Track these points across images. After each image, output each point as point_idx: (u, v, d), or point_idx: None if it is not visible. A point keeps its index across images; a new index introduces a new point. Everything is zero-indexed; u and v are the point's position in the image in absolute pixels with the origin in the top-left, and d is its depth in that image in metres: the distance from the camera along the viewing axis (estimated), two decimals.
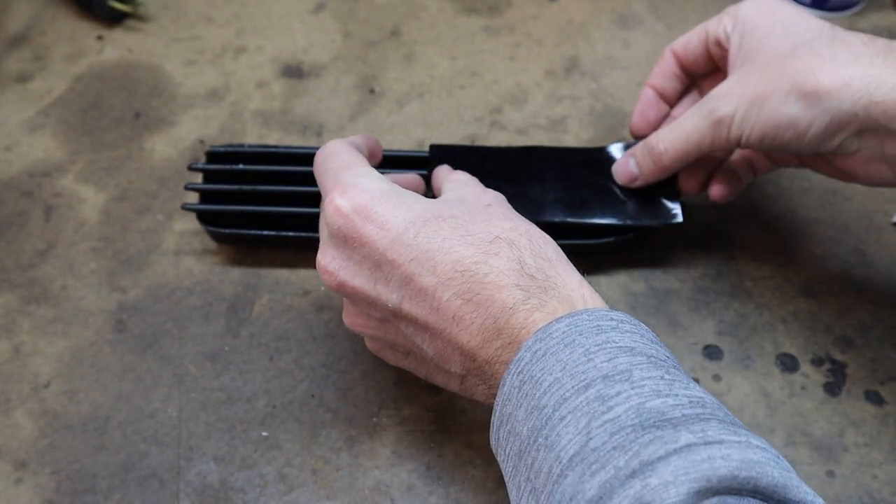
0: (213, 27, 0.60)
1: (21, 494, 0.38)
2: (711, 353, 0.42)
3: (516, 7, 0.62)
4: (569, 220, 0.43)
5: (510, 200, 0.43)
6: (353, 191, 0.32)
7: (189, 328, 0.43)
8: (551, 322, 0.28)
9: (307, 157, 0.47)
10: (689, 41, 0.43)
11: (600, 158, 0.46)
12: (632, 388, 0.26)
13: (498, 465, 0.39)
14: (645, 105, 0.45)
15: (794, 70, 0.35)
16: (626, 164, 0.43)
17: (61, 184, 0.50)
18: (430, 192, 0.43)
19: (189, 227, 0.48)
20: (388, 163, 0.47)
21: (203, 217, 0.45)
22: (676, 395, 0.26)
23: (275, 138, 0.52)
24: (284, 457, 0.39)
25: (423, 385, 0.41)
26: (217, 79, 0.56)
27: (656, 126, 0.46)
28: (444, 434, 0.40)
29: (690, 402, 0.26)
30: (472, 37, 0.59)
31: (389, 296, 0.31)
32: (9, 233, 0.48)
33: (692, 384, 0.27)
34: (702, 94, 0.46)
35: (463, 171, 0.40)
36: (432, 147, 0.46)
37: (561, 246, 0.44)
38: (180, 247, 0.47)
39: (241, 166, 0.46)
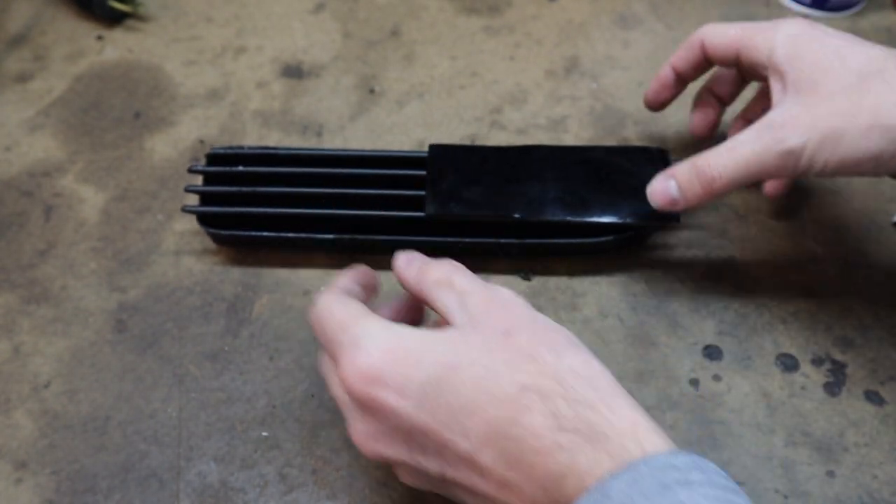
0: (213, 27, 0.60)
1: (21, 494, 0.38)
2: (711, 353, 0.42)
3: (516, 7, 0.62)
4: (568, 219, 0.43)
5: (510, 200, 0.43)
6: (359, 358, 0.29)
7: (189, 328, 0.43)
8: (608, 479, 0.25)
9: (307, 159, 0.47)
10: (719, 46, 0.42)
11: (600, 157, 0.46)
12: None
13: None
14: (662, 85, 0.46)
15: (871, 104, 0.34)
16: (666, 187, 0.39)
17: (61, 184, 0.50)
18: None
19: (189, 227, 0.48)
20: (389, 163, 0.47)
21: (203, 219, 0.45)
22: None
23: (275, 138, 0.52)
24: (284, 457, 0.39)
25: None
26: (217, 79, 0.56)
27: (666, 104, 0.47)
28: None
29: None
30: (472, 37, 0.59)
31: (430, 464, 0.29)
32: (9, 233, 0.48)
33: None
34: (720, 94, 0.46)
35: (452, 267, 0.33)
36: (431, 147, 0.46)
37: (561, 246, 0.44)
38: (180, 247, 0.47)
39: (240, 168, 0.46)
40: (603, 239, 0.44)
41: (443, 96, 0.55)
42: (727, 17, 0.60)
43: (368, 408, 0.29)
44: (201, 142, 0.52)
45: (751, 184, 0.38)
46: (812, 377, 0.42)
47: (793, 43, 0.38)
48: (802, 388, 0.41)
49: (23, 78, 0.56)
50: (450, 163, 0.45)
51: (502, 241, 0.44)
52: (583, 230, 0.43)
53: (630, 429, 0.27)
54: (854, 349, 0.43)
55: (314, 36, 0.59)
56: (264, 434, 0.40)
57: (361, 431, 0.30)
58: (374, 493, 0.38)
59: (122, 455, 0.39)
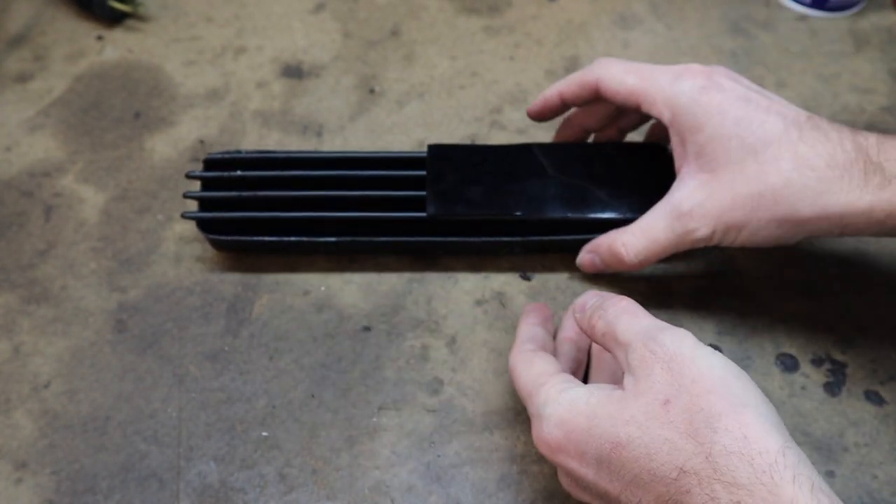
0: (213, 27, 0.60)
1: (21, 494, 0.38)
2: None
3: (516, 7, 0.62)
4: (569, 215, 0.43)
5: (511, 198, 0.43)
6: (543, 430, 0.32)
7: (189, 328, 0.43)
8: None
9: (305, 161, 0.47)
10: (618, 94, 0.42)
11: (600, 153, 0.46)
12: None
13: (498, 466, 0.39)
14: (547, 107, 0.46)
15: (769, 200, 0.37)
16: (592, 260, 0.44)
17: (61, 184, 0.50)
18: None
19: (189, 227, 0.48)
20: (388, 164, 0.47)
21: (203, 225, 0.45)
22: None
23: (275, 138, 0.52)
24: (284, 457, 0.39)
25: (422, 385, 0.41)
26: (217, 79, 0.56)
27: (547, 120, 0.47)
28: (444, 434, 0.40)
29: None
30: (472, 37, 0.59)
31: None
32: (9, 233, 0.48)
33: None
34: (587, 126, 0.47)
35: (616, 312, 0.34)
36: (430, 147, 0.46)
37: (562, 242, 0.44)
38: (180, 247, 0.47)
39: (238, 173, 0.46)
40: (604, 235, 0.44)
41: (443, 96, 0.55)
42: (727, 18, 0.60)
43: (560, 467, 0.33)
44: (201, 142, 0.52)
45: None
46: (812, 377, 0.42)
47: (692, 111, 0.39)
48: (802, 387, 0.41)
49: (23, 78, 0.56)
50: (449, 162, 0.45)
51: (504, 239, 0.44)
52: (584, 226, 0.44)
53: None
54: (854, 349, 0.43)
55: (314, 36, 0.59)
56: (264, 434, 0.40)
57: (563, 481, 0.34)
58: (374, 492, 0.38)
59: (122, 455, 0.39)
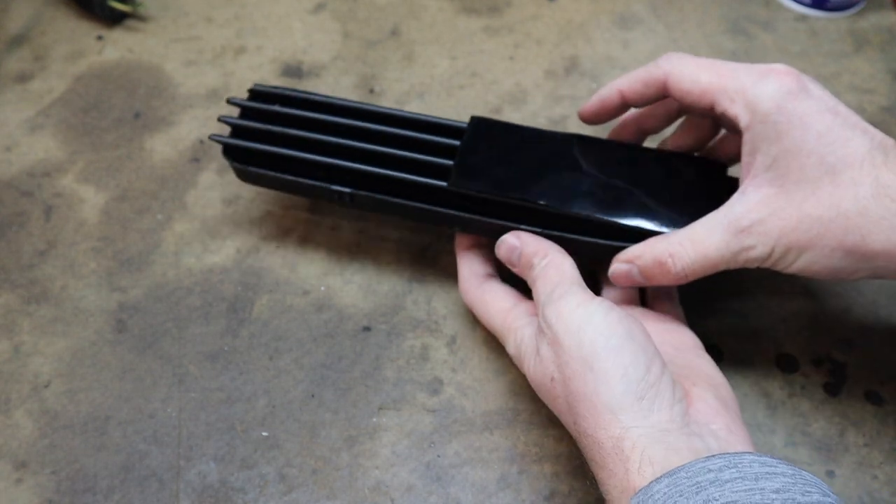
0: (213, 27, 0.60)
1: (21, 494, 0.38)
2: (711, 353, 0.42)
3: (516, 7, 0.62)
4: (596, 216, 0.39)
5: (538, 186, 0.40)
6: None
7: (189, 328, 0.43)
8: (651, 483, 0.28)
9: (345, 110, 0.45)
10: (690, 93, 0.38)
11: (650, 158, 0.42)
12: None
13: (498, 466, 0.39)
14: (604, 108, 0.43)
15: (839, 226, 0.34)
16: (629, 273, 0.39)
17: (61, 184, 0.50)
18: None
19: (189, 226, 0.48)
20: (426, 127, 0.44)
21: (228, 151, 0.44)
22: None
23: None
24: (284, 457, 0.39)
25: (422, 385, 0.41)
26: (217, 79, 0.56)
27: (602, 123, 0.44)
28: (444, 434, 0.40)
29: None
30: (472, 37, 0.59)
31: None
32: (9, 233, 0.48)
33: None
34: (645, 128, 0.44)
35: (559, 266, 0.37)
36: (473, 119, 0.43)
37: (583, 244, 0.40)
38: (180, 247, 0.47)
39: (276, 107, 0.45)
40: (625, 244, 0.39)
41: (443, 96, 0.55)
42: (727, 18, 0.60)
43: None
44: (201, 142, 0.52)
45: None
46: (812, 377, 0.42)
47: (774, 117, 0.35)
48: (802, 387, 0.41)
49: (23, 78, 0.56)
50: (487, 138, 0.42)
51: (522, 227, 0.40)
52: (610, 232, 0.40)
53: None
54: (854, 349, 0.43)
55: (314, 36, 0.59)
56: (264, 434, 0.40)
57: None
58: (374, 492, 0.38)
59: (122, 455, 0.39)
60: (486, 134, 0.43)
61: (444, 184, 0.41)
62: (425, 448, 0.39)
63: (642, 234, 0.39)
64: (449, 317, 0.44)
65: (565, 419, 0.34)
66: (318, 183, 0.42)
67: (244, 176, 0.44)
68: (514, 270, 0.40)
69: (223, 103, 0.55)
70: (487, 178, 0.41)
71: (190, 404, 0.41)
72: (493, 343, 0.43)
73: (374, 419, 0.40)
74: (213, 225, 0.48)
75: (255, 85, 0.46)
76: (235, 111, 0.48)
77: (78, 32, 0.59)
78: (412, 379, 0.42)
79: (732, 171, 0.42)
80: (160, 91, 0.56)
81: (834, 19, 0.61)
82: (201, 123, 0.53)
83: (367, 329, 0.44)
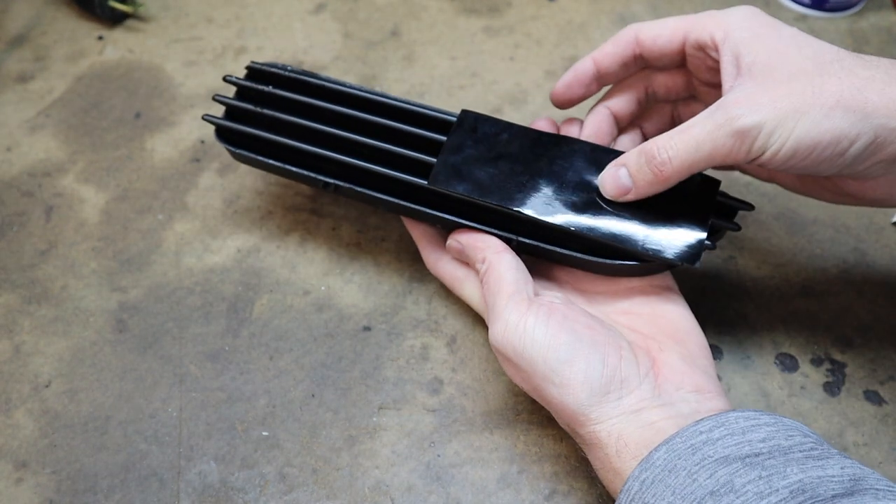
0: (213, 27, 0.60)
1: (21, 494, 0.38)
2: (711, 352, 0.42)
3: (516, 7, 0.62)
4: (573, 229, 0.38)
5: (521, 192, 0.39)
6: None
7: (189, 328, 0.44)
8: (651, 452, 0.31)
9: (339, 95, 0.44)
10: (661, 35, 0.39)
11: None
12: (737, 498, 0.28)
13: (497, 465, 0.39)
14: (578, 80, 0.42)
15: (834, 86, 0.33)
16: (616, 175, 0.37)
17: (62, 184, 0.50)
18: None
19: (189, 226, 0.48)
20: (416, 119, 0.43)
21: (220, 132, 0.43)
22: (777, 491, 0.28)
23: None
24: (284, 456, 0.39)
25: (422, 385, 0.41)
26: (217, 79, 0.56)
27: (574, 103, 0.43)
28: (444, 434, 0.40)
29: (791, 492, 0.28)
30: (472, 37, 0.59)
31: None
32: (9, 233, 0.48)
33: (790, 466, 0.29)
34: (652, 91, 0.43)
35: (499, 278, 0.37)
36: (463, 112, 0.42)
37: (559, 255, 0.39)
38: (180, 247, 0.47)
39: (269, 88, 0.44)
40: (602, 261, 0.38)
41: (443, 96, 0.55)
42: None
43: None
44: (202, 142, 0.52)
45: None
46: (811, 377, 0.42)
47: (748, 27, 0.36)
48: (802, 387, 0.41)
49: (23, 78, 0.56)
50: (474, 134, 0.41)
51: (500, 233, 0.39)
52: (584, 244, 0.38)
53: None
54: (854, 349, 0.43)
55: (314, 36, 0.59)
56: (264, 434, 0.40)
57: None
58: (375, 492, 0.38)
59: (123, 455, 0.39)
60: (474, 130, 0.42)
61: (424, 182, 0.40)
62: (425, 448, 0.39)
63: (618, 252, 0.38)
64: (449, 316, 0.44)
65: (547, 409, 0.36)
66: (304, 171, 0.42)
67: (237, 157, 0.44)
68: None
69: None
70: (468, 180, 0.40)
71: (190, 404, 0.41)
72: None
73: (374, 419, 0.40)
74: (213, 225, 0.48)
75: (252, 63, 0.46)
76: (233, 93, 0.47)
77: (78, 33, 0.59)
78: (412, 379, 0.42)
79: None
80: (161, 91, 0.56)
81: (833, 19, 0.61)
82: (202, 123, 0.53)
83: (367, 329, 0.44)
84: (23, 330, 0.44)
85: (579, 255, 0.38)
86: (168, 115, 0.54)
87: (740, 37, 0.36)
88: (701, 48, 0.38)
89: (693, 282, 0.45)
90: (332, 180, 0.41)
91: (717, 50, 0.37)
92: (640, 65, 0.42)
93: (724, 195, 0.40)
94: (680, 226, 0.38)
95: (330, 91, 0.45)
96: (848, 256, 0.47)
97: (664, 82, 0.42)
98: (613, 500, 0.32)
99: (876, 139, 0.32)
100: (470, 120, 0.42)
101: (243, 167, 0.51)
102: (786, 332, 0.43)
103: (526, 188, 0.39)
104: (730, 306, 0.44)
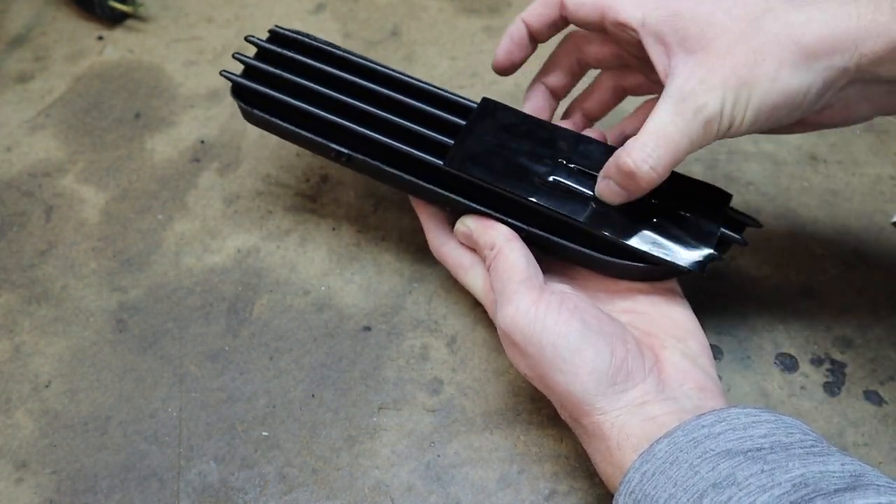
0: (213, 27, 0.60)
1: (21, 494, 0.38)
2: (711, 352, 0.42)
3: (516, 7, 0.62)
4: (579, 222, 0.38)
5: (534, 182, 0.39)
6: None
7: (189, 328, 0.44)
8: (653, 444, 0.31)
9: (360, 68, 0.44)
10: (583, 5, 0.39)
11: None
12: (740, 490, 0.28)
13: (497, 465, 0.39)
14: (515, 43, 0.42)
15: (772, 45, 0.33)
16: (609, 188, 0.37)
17: (62, 184, 0.50)
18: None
19: (189, 226, 0.48)
20: (431, 99, 0.43)
21: (236, 90, 0.43)
22: (780, 485, 0.28)
23: (275, 137, 0.52)
24: (284, 456, 0.39)
25: (422, 385, 0.41)
26: (217, 79, 0.56)
27: (516, 67, 0.43)
28: (444, 434, 0.40)
29: (794, 486, 0.28)
30: (472, 37, 0.59)
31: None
32: (9, 233, 0.48)
33: (792, 461, 0.29)
34: (585, 62, 0.43)
35: (508, 266, 0.37)
36: (483, 100, 0.42)
37: (565, 248, 0.39)
38: (181, 247, 0.47)
39: (290, 53, 0.44)
40: (610, 259, 0.38)
41: None
42: None
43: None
44: (202, 142, 0.52)
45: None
46: (811, 377, 0.42)
47: (663, 7, 0.35)
48: (802, 387, 0.41)
49: (23, 78, 0.56)
50: (494, 122, 0.41)
51: (510, 220, 0.39)
52: (591, 241, 0.38)
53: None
54: (854, 349, 0.43)
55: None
56: (264, 434, 0.40)
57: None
58: (375, 492, 0.38)
59: (123, 455, 0.39)
60: (494, 118, 0.42)
61: (440, 162, 0.40)
62: (425, 448, 0.39)
63: (626, 252, 0.38)
64: (449, 316, 0.44)
65: (549, 399, 0.36)
66: (318, 138, 0.41)
67: (249, 117, 0.43)
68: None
69: (224, 102, 0.55)
70: (483, 165, 0.40)
71: (190, 404, 0.41)
72: (494, 343, 0.43)
73: (374, 419, 0.40)
74: (213, 225, 0.48)
75: (276, 27, 0.45)
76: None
77: (78, 33, 0.59)
78: (412, 379, 0.42)
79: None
80: (161, 91, 0.56)
81: None
82: (202, 123, 0.53)
83: (367, 329, 0.44)
84: (23, 330, 0.44)
85: (588, 251, 0.38)
86: (168, 115, 0.54)
87: (660, 15, 0.35)
88: (620, 27, 0.38)
89: (693, 282, 0.45)
90: (345, 150, 0.41)
91: (635, 31, 0.37)
92: (568, 24, 0.41)
93: (734, 210, 0.40)
94: (690, 233, 0.38)
95: (352, 63, 0.44)
96: (848, 256, 0.47)
97: (595, 53, 0.43)
98: (613, 498, 0.32)
99: (825, 81, 0.33)
100: (490, 108, 0.42)
101: (243, 167, 0.51)
102: (786, 332, 0.43)
103: (540, 180, 0.39)
104: (730, 306, 0.44)
